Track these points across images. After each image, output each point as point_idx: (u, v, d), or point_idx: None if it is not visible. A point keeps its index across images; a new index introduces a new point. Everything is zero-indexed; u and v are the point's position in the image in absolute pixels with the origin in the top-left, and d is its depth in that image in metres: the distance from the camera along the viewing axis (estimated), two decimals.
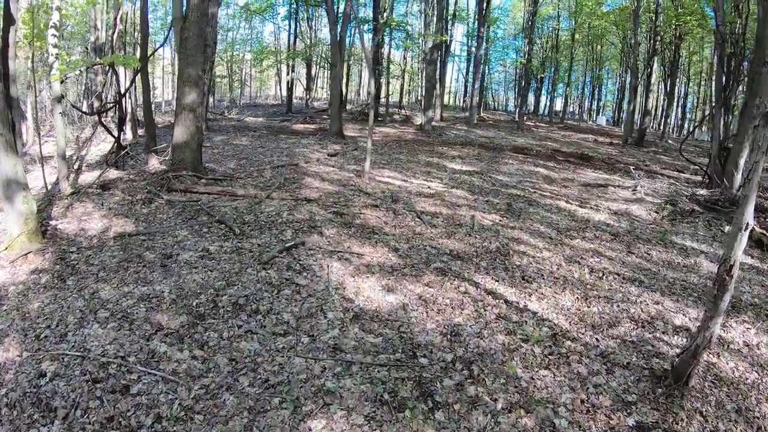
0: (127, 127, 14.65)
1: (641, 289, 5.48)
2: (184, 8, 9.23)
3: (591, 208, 9.04)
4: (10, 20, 6.56)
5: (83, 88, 24.45)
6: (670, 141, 28.40)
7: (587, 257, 6.35)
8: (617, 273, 5.90)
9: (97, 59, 16.22)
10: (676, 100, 35.17)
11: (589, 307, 4.93)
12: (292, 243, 5.89)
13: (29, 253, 5.81)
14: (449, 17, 27.37)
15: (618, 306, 5.00)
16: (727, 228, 8.42)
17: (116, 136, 11.18)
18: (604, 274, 5.81)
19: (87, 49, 22.06)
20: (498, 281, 5.38)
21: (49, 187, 9.05)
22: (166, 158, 10.50)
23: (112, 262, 5.54)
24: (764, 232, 8.08)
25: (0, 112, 5.66)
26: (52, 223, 7.07)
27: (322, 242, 6.12)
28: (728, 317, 4.86)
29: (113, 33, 13.58)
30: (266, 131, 17.10)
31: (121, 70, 14.31)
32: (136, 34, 20.93)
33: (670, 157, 19.61)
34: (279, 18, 34.48)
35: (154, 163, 10.68)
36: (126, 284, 4.95)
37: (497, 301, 4.89)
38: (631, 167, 13.60)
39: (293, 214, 7.16)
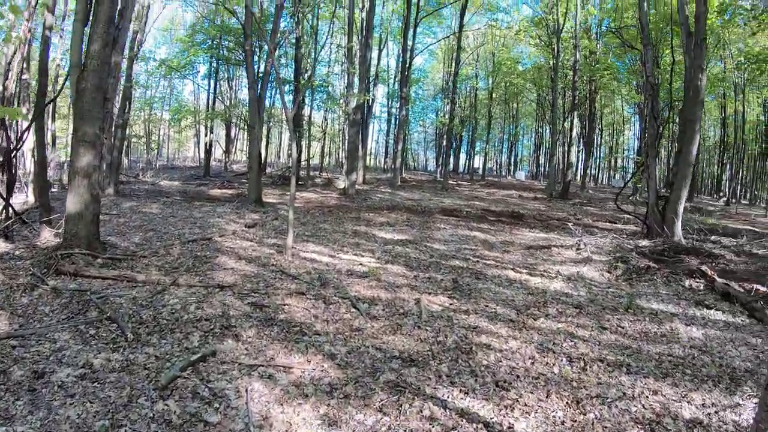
0: (29, 189, 12.91)
1: (632, 377, 4.69)
2: (83, 55, 7.98)
3: (542, 275, 8.35)
4: None
5: None
6: (590, 191, 29.32)
7: (560, 342, 5.48)
8: (600, 359, 5.08)
9: None
10: (593, 151, 36.88)
11: (585, 414, 3.99)
12: (200, 354, 4.53)
13: None
14: (371, 78, 27.30)
15: (616, 406, 4.12)
16: (687, 282, 8.06)
17: (6, 201, 9.48)
18: (586, 363, 4.94)
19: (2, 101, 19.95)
20: (468, 393, 4.28)
21: None
22: (61, 230, 8.96)
23: None
24: (726, 282, 7.70)
25: None
26: None
27: (238, 351, 4.82)
28: (730, 393, 4.35)
29: (3, 80, 11.93)
30: (180, 197, 15.69)
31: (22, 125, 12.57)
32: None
33: (597, 207, 19.90)
34: (199, 77, 33.39)
35: (47, 236, 9.11)
36: None
37: (475, 426, 3.78)
38: (569, 223, 13.29)
39: (203, 307, 5.84)
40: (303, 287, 6.93)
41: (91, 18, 7.92)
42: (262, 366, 4.51)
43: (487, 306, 6.62)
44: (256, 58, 21.08)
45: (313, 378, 4.38)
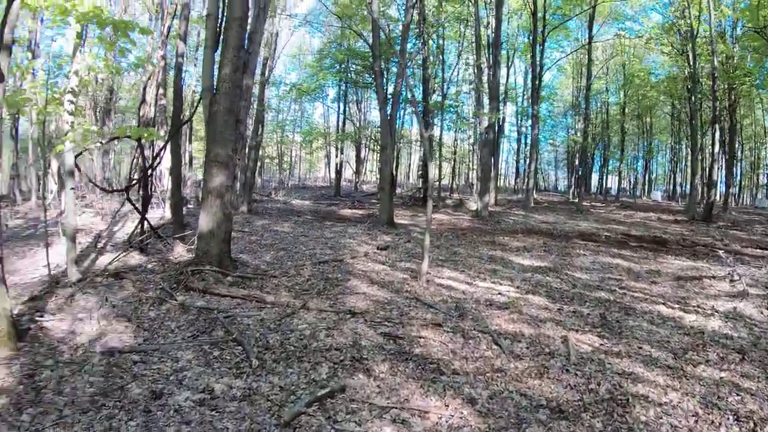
0: (166, 205, 13.72)
1: None
2: (215, 79, 8.15)
3: (696, 311, 7.13)
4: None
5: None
6: (733, 213, 26.13)
7: (724, 395, 4.43)
8: None
9: (115, 132, 15.57)
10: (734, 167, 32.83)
11: None
12: (328, 389, 4.11)
13: None
14: (501, 96, 26.46)
15: None
16: None
17: (142, 214, 10.01)
18: (756, 424, 3.92)
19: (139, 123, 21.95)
20: None
21: (64, 269, 7.90)
22: (193, 246, 9.20)
23: (85, 394, 4.09)
24: None
25: None
26: (42, 319, 5.83)
27: (369, 388, 4.33)
28: None
29: (140, 104, 12.79)
30: (312, 216, 15.86)
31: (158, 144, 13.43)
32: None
33: (744, 231, 17.48)
34: (328, 99, 34.56)
35: (180, 251, 9.45)
36: None
37: None
38: (719, 251, 11.57)
39: (333, 335, 5.45)
40: (439, 318, 6.33)
41: (221, 44, 8.11)
42: (395, 408, 3.99)
43: (640, 348, 5.63)
44: (384, 80, 21.16)
45: (452, 426, 3.77)
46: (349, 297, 6.98)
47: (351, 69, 27.11)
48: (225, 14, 8.05)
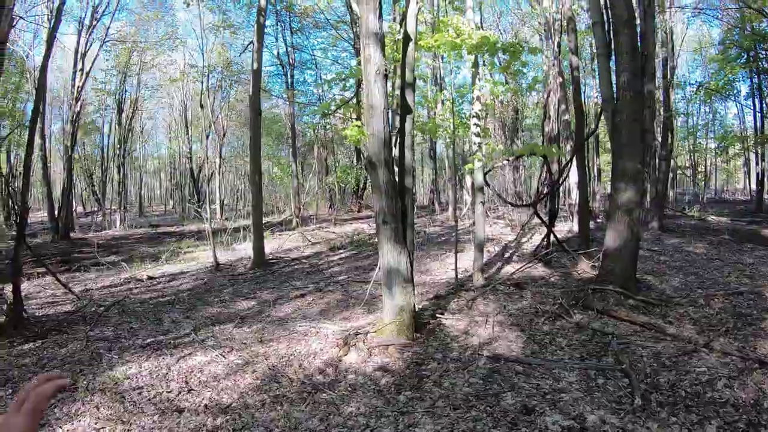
0: (575, 219, 13.89)
1: None
2: (614, 88, 7.71)
3: None
4: (407, 109, 6.44)
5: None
6: None
7: None
8: None
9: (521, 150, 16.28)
10: None
11: None
12: None
13: (391, 345, 5.44)
14: None
15: None
16: None
17: (548, 228, 10.32)
18: None
19: (544, 139, 22.94)
20: None
21: (470, 274, 8.95)
22: (597, 264, 8.94)
23: (461, 391, 4.39)
24: None
25: (390, 204, 5.62)
26: (441, 316, 6.60)
27: None
28: None
29: (543, 121, 13.14)
30: (729, 236, 13.47)
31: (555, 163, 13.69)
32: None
33: None
34: (741, 97, 28.89)
35: (584, 267, 9.33)
36: None
37: None
38: None
39: (733, 386, 4.30)
40: None
41: (614, 50, 7.61)
42: None
43: None
44: None
45: None
46: (762, 342, 5.51)
47: (762, 56, 21.91)
48: (611, 19, 7.55)
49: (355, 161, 27.78)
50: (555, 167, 12.37)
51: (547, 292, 7.82)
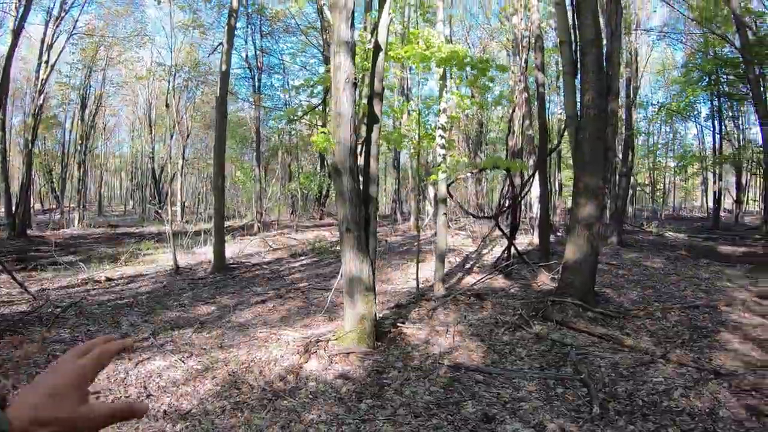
0: (535, 232, 14.12)
1: None
2: (579, 106, 7.89)
3: None
4: (374, 119, 6.45)
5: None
6: None
7: None
8: None
9: (484, 164, 16.53)
10: None
11: None
12: None
13: (352, 353, 5.43)
14: None
15: None
16: None
17: (509, 241, 10.45)
18: None
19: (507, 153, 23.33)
20: None
21: (431, 284, 9.02)
22: (557, 276, 9.09)
23: (422, 400, 4.41)
24: None
25: (354, 212, 5.64)
26: (402, 326, 6.61)
27: None
28: None
29: (507, 135, 13.39)
30: (686, 251, 13.90)
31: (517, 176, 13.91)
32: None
33: None
34: (701, 118, 30.10)
35: (543, 279, 9.51)
36: None
37: None
38: None
39: (689, 396, 4.43)
40: None
41: (579, 70, 7.77)
42: None
43: None
44: (762, 89, 17.21)
45: None
46: (717, 353, 5.69)
47: (723, 80, 22.94)
48: (578, 39, 7.74)
49: (318, 168, 27.58)
50: (517, 181, 12.56)
51: (508, 303, 7.92)
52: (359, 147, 6.46)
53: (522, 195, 11.84)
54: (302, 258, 14.34)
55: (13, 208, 19.43)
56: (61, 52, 21.86)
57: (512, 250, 10.51)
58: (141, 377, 4.95)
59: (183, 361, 5.42)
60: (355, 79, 5.78)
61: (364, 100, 7.18)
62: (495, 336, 6.34)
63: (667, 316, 7.21)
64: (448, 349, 5.88)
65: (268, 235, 18.96)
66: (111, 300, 8.90)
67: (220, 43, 12.64)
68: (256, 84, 26.50)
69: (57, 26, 20.29)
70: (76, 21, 21.95)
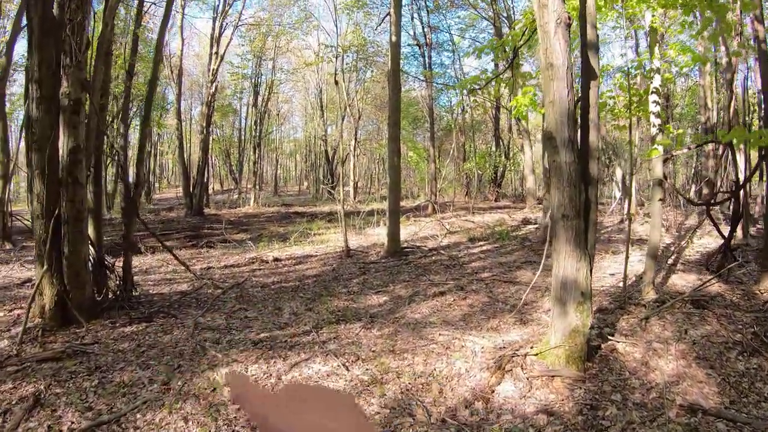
0: (739, 225, 11.70)
1: None
2: None
3: None
4: (590, 74, 5.08)
5: (692, 171, 22.64)
6: None
7: None
8: None
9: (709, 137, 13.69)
10: None
11: None
12: None
13: (557, 376, 4.29)
14: None
15: None
16: None
17: (725, 236, 8.42)
18: None
19: (698, 131, 20.20)
20: None
21: (631, 282, 7.58)
22: None
23: None
24: None
25: (573, 194, 4.48)
26: (613, 338, 5.31)
27: None
28: None
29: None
30: None
31: (741, 155, 11.47)
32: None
33: None
34: None
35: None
36: None
37: None
38: None
39: None
40: None
41: None
42: None
43: None
44: None
45: None
46: None
47: None
48: None
49: (493, 148, 26.54)
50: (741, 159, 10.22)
51: (734, 316, 6.20)
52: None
53: (748, 178, 9.52)
54: (482, 243, 13.16)
55: (191, 189, 21.07)
56: (228, 43, 23.90)
57: (730, 247, 8.43)
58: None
59: (347, 368, 4.77)
60: (569, 19, 4.51)
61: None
62: (727, 362, 4.80)
63: None
64: (673, 377, 4.52)
65: (443, 216, 18.14)
66: (275, 282, 8.72)
67: (388, 13, 12.02)
68: (426, 61, 25.93)
69: (223, 20, 22.43)
70: (240, 14, 24.03)
